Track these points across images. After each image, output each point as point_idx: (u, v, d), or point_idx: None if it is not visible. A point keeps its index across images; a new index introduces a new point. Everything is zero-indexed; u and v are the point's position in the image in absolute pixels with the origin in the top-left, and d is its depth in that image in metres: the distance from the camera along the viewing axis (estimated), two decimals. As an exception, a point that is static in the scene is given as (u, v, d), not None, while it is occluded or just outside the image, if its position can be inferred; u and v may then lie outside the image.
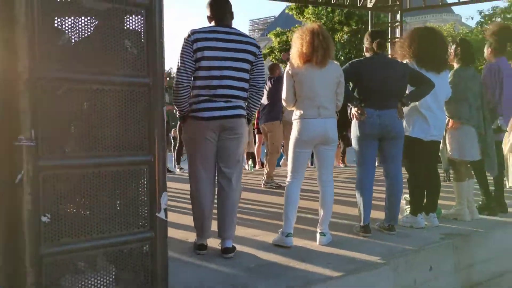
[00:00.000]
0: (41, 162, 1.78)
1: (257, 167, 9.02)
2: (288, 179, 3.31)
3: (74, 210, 1.96)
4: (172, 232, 2.93)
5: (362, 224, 3.50)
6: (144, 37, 2.02)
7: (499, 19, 17.35)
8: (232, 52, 2.87)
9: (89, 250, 1.95)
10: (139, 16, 2.01)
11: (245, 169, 8.33)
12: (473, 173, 4.26)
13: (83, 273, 1.94)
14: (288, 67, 3.26)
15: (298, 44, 3.18)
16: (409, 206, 3.97)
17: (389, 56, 4.55)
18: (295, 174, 3.28)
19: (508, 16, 17.46)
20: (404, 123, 3.71)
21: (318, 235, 3.28)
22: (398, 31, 10.29)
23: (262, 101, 5.91)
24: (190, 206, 3.09)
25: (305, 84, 3.18)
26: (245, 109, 3.02)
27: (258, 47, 3.01)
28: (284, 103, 3.36)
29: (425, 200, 3.88)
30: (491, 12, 17.92)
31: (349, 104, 3.61)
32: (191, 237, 3.23)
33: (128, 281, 2.05)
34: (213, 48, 2.82)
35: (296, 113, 3.27)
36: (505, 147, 4.87)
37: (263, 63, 3.06)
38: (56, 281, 1.85)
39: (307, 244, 3.25)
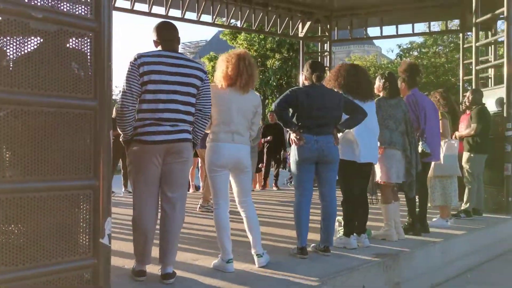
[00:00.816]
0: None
1: (190, 190, 8.94)
2: (214, 206, 3.31)
3: (7, 238, 1.85)
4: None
5: (299, 246, 3.60)
6: (92, 59, 2.00)
7: (415, 53, 18.81)
8: (179, 76, 2.88)
9: (26, 279, 1.85)
10: (87, 39, 1.99)
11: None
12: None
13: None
14: (211, 89, 3.22)
15: (223, 66, 3.24)
16: (342, 227, 4.14)
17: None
18: (218, 200, 3.28)
19: (424, 50, 19.00)
20: (340, 148, 3.93)
21: (255, 257, 3.32)
22: (326, 60, 10.82)
23: None
24: (124, 231, 3.01)
25: (223, 108, 3.22)
26: (191, 133, 3.02)
27: (205, 72, 3.04)
28: None
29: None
30: (409, 46, 19.40)
31: (287, 129, 3.75)
32: (128, 263, 3.14)
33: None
34: (160, 72, 2.82)
35: (210, 136, 3.30)
36: (430, 171, 5.29)
37: (209, 88, 3.08)
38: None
39: (247, 267, 3.28)
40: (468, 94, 6.15)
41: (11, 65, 1.76)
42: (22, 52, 1.79)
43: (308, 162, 3.64)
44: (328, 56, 10.87)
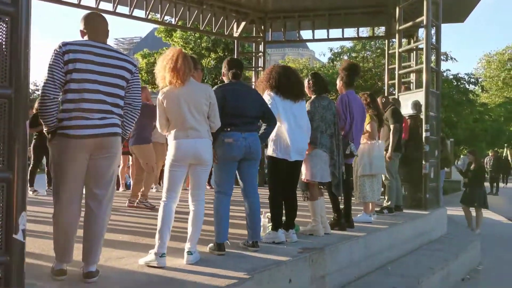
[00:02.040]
0: None
1: (120, 189, 8.69)
2: (163, 199, 3.31)
3: None
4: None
5: (218, 242, 3.60)
6: (7, 46, 1.88)
7: (345, 57, 19.54)
8: (107, 67, 2.79)
9: None
10: (2, 24, 1.87)
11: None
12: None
13: None
14: (159, 95, 3.31)
15: (161, 67, 3.26)
16: (271, 223, 4.22)
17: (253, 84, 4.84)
18: (170, 193, 3.30)
19: (353, 55, 19.80)
20: (272, 146, 4.01)
21: (185, 254, 3.31)
22: (261, 60, 10.96)
23: None
24: (47, 230, 2.87)
25: (173, 106, 3.25)
26: (120, 127, 2.92)
27: (135, 65, 2.97)
28: (158, 129, 3.39)
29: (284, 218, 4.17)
30: (340, 50, 20.13)
31: None
32: (47, 262, 2.99)
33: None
34: (87, 61, 2.72)
35: (170, 136, 3.33)
36: (355, 170, 5.53)
37: (139, 81, 3.01)
38: None
39: (175, 263, 3.25)
40: (378, 100, 6.46)
41: None
42: None
43: (234, 160, 3.68)
44: (262, 57, 11.02)
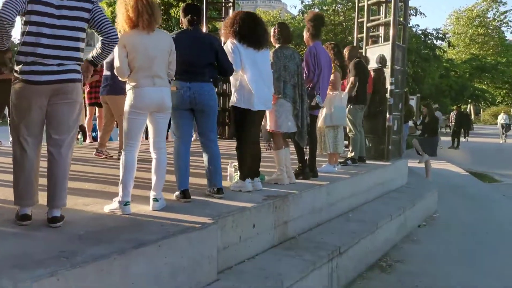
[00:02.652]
0: None
1: (87, 141, 8.57)
2: (125, 147, 3.30)
3: None
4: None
5: (181, 189, 3.66)
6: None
7: (316, 10, 19.36)
8: (65, 10, 2.72)
9: None
10: None
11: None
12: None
13: None
14: (121, 40, 3.17)
15: (123, 10, 3.17)
16: (237, 173, 4.30)
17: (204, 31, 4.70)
18: (131, 141, 3.28)
19: (324, 8, 19.61)
20: (235, 95, 4.00)
21: (151, 201, 3.36)
22: (231, 11, 10.71)
23: (104, 73, 5.72)
24: (8, 178, 2.85)
25: (139, 53, 3.19)
26: (79, 73, 2.87)
27: (92, 2, 2.87)
28: (117, 74, 3.31)
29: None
30: (311, 2, 19.89)
31: None
32: (9, 209, 3.00)
33: None
34: (45, 3, 2.65)
35: (131, 84, 3.26)
36: (319, 121, 5.63)
37: (102, 13, 2.90)
38: None
39: (141, 210, 3.30)
40: (344, 51, 6.51)
41: None
42: None
43: (182, 109, 3.67)
44: (232, 8, 10.77)
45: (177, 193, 3.70)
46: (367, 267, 4.44)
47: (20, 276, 2.02)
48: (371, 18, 7.83)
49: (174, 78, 3.58)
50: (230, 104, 4.14)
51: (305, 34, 5.13)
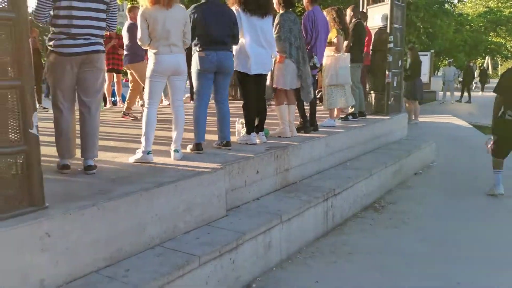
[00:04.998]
0: None
1: (107, 106, 9.17)
2: (146, 105, 3.82)
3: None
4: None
5: (196, 142, 4.21)
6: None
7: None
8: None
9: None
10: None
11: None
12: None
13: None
14: (140, 10, 3.70)
15: None
16: (244, 128, 4.82)
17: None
18: (152, 100, 3.81)
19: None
20: (235, 60, 4.47)
21: (172, 152, 3.92)
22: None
23: (125, 44, 6.34)
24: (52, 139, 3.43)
25: (158, 25, 3.67)
26: (102, 45, 3.42)
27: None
28: (139, 43, 3.80)
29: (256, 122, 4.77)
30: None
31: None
32: (54, 162, 3.59)
33: (7, 187, 2.43)
34: None
35: (152, 51, 3.77)
36: (323, 80, 6.09)
37: (117, 5, 3.51)
38: None
39: (162, 160, 3.87)
40: (348, 11, 6.84)
41: None
42: None
43: (207, 72, 4.17)
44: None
45: (190, 146, 4.25)
46: (362, 208, 4.99)
47: (69, 205, 2.62)
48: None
49: (200, 48, 4.08)
50: (234, 68, 4.55)
51: (305, 0, 5.51)
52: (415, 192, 5.69)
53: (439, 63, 30.81)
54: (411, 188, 5.89)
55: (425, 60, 17.11)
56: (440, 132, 9.87)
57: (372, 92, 7.55)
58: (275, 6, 4.98)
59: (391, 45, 7.10)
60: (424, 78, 16.46)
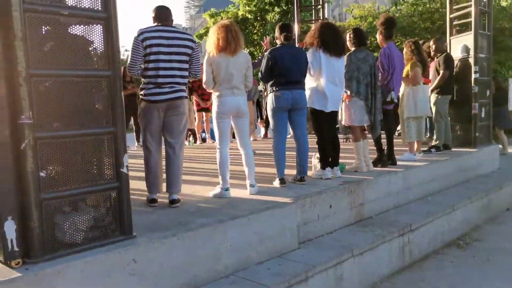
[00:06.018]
0: (37, 134, 2.51)
1: (197, 142, 9.82)
2: (218, 146, 4.15)
3: (61, 168, 2.69)
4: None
5: (279, 177, 4.46)
6: (105, 41, 2.77)
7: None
8: (175, 47, 3.68)
9: (71, 196, 2.71)
10: (100, 26, 2.75)
11: (186, 145, 9.12)
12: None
13: (69, 213, 2.71)
14: (206, 57, 4.04)
15: (214, 38, 3.99)
16: (320, 163, 4.97)
17: (298, 44, 5.45)
18: (223, 140, 4.13)
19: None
20: (311, 98, 4.69)
21: (248, 187, 4.20)
22: (321, 12, 11.28)
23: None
24: (141, 175, 3.87)
25: (222, 70, 3.99)
26: (185, 91, 3.84)
27: (195, 42, 3.84)
28: (204, 86, 4.16)
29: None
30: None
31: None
32: (143, 196, 4.03)
33: (102, 219, 2.84)
34: (159, 44, 3.62)
35: (216, 94, 4.10)
36: (400, 113, 6.10)
37: (199, 55, 3.91)
38: (51, 218, 2.61)
39: (239, 193, 4.15)
40: (431, 43, 6.78)
41: (51, 48, 2.54)
42: (58, 39, 2.57)
43: (283, 109, 4.43)
44: (321, 9, 11.34)
45: (276, 181, 4.50)
46: (444, 244, 4.83)
47: (153, 234, 2.97)
48: (457, 7, 7.84)
49: (276, 88, 4.38)
50: (308, 105, 4.76)
51: (379, 37, 5.62)
52: (505, 229, 5.36)
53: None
54: (501, 225, 5.55)
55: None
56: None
57: (456, 124, 7.28)
58: (347, 43, 5.16)
59: (477, 75, 6.86)
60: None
